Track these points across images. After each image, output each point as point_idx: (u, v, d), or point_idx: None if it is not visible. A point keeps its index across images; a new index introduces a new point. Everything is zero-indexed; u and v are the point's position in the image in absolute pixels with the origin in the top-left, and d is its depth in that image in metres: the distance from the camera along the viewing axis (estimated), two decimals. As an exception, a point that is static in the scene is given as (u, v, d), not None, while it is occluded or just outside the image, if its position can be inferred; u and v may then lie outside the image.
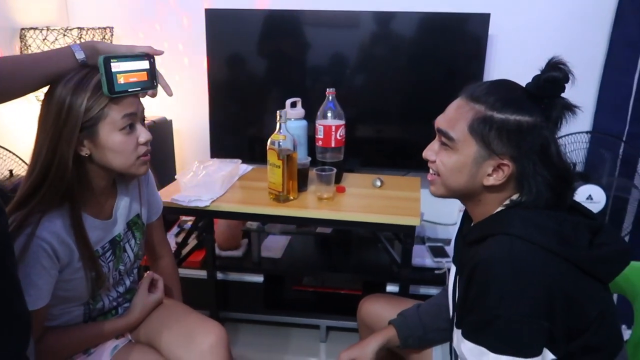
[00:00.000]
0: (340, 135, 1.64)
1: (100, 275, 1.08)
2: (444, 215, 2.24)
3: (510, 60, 2.04)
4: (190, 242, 1.99)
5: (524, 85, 0.90)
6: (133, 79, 1.03)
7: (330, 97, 1.64)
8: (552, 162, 0.87)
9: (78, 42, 1.04)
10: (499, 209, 0.92)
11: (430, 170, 0.98)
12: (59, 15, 2.25)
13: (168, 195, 1.55)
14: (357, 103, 2.03)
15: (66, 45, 1.00)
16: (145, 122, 1.12)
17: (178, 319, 1.23)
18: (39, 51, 1.03)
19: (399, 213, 1.46)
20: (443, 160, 0.93)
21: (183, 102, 2.33)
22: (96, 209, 1.11)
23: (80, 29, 1.98)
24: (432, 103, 1.94)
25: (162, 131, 2.21)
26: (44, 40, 1.92)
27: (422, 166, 2.00)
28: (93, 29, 2.01)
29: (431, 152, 0.97)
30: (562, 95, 0.87)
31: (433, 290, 1.91)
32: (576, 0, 1.96)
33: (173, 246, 1.95)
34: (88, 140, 1.01)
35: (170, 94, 1.12)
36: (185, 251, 1.96)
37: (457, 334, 0.94)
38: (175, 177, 1.63)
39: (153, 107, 2.29)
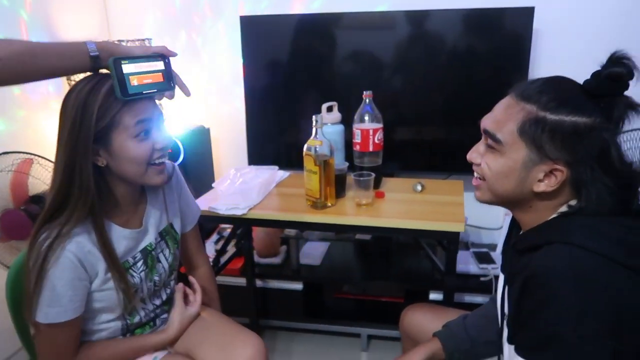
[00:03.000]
0: (378, 139, 1.60)
1: (129, 286, 1.06)
2: (489, 220, 2.15)
3: (557, 55, 1.94)
4: (229, 249, 1.99)
5: (581, 83, 0.82)
6: (147, 80, 0.98)
7: (367, 100, 1.59)
8: (613, 167, 0.78)
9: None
10: (553, 215, 0.84)
11: (475, 174, 0.92)
12: (100, 29, 2.31)
13: (206, 203, 1.55)
14: (396, 105, 1.98)
15: (82, 42, 0.96)
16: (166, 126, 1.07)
17: (216, 330, 1.21)
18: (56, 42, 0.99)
19: (442, 219, 1.40)
20: (489, 163, 0.86)
21: (220, 110, 2.34)
22: (124, 219, 1.09)
23: (120, 41, 2.02)
24: (474, 102, 1.89)
25: (200, 139, 2.23)
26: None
27: (464, 169, 1.92)
28: (132, 40, 2.05)
29: (476, 154, 0.90)
30: (625, 93, 0.79)
31: (478, 299, 1.83)
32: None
33: (212, 254, 1.96)
34: (103, 150, 0.98)
35: (188, 94, 1.08)
36: (224, 259, 1.96)
37: (509, 349, 0.87)
38: (213, 185, 1.63)
39: (191, 116, 2.33)
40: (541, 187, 0.82)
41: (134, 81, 0.96)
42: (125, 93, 0.94)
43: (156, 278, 1.16)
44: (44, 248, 0.94)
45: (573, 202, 0.83)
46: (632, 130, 1.80)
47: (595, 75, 0.80)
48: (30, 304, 0.97)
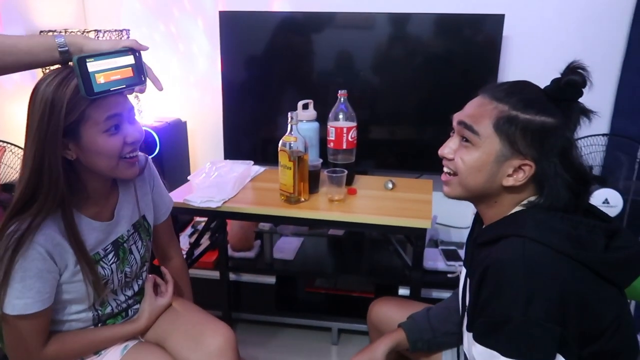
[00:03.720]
0: (351, 137, 1.64)
1: (98, 278, 1.07)
2: (457, 219, 2.21)
3: (525, 61, 2.02)
4: (203, 242, 2.00)
5: (542, 88, 0.90)
6: (115, 76, 0.97)
7: (342, 99, 1.63)
8: (573, 164, 0.87)
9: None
10: (514, 210, 0.91)
11: (445, 169, 0.97)
12: (77, 18, 2.29)
13: (181, 195, 1.56)
14: (370, 104, 2.02)
15: (52, 34, 0.96)
16: (139, 119, 1.09)
17: (186, 320, 1.23)
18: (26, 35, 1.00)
19: (410, 215, 1.45)
20: (463, 157, 0.91)
21: (197, 104, 2.35)
22: (95, 211, 1.09)
23: (97, 31, 2.01)
24: (445, 104, 1.93)
25: (176, 132, 2.23)
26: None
27: (435, 169, 1.98)
28: (109, 31, 2.04)
29: (449, 149, 0.95)
30: (579, 99, 0.87)
31: (446, 294, 1.89)
32: (590, 1, 1.92)
33: (186, 246, 1.97)
34: (73, 144, 0.98)
35: (160, 88, 1.06)
36: (198, 251, 1.97)
37: (467, 337, 0.93)
38: (188, 177, 1.65)
39: (168, 108, 2.33)
40: (510, 182, 0.88)
41: (101, 79, 0.95)
42: (91, 92, 0.93)
43: (127, 269, 1.17)
44: (13, 240, 0.94)
45: (532, 198, 0.89)
46: (592, 136, 1.89)
47: (555, 81, 0.88)
48: None
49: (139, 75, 1.03)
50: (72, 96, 0.93)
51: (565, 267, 0.80)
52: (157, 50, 2.31)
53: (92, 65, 0.94)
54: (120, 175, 1.06)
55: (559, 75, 0.88)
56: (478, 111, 0.90)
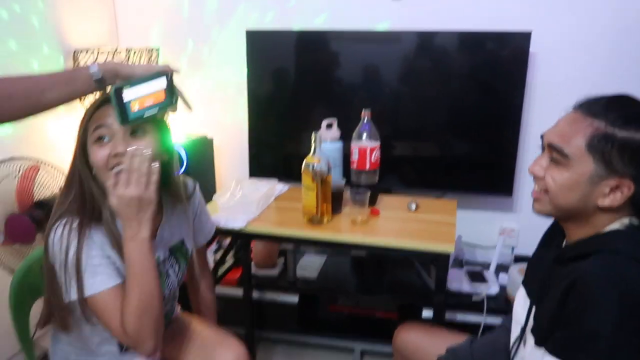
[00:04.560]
0: (374, 158, 1.63)
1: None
2: (483, 238, 2.17)
3: (554, 77, 1.97)
4: (228, 260, 2.02)
5: None
6: (149, 102, 1.01)
7: (365, 119, 1.63)
8: None
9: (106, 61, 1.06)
10: (610, 228, 0.87)
11: (536, 187, 0.94)
12: (109, 37, 2.36)
13: (205, 215, 1.58)
14: (395, 121, 2.01)
15: (85, 66, 1.01)
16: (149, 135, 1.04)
17: (201, 337, 1.26)
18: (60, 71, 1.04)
19: (433, 239, 1.43)
20: (554, 176, 0.88)
21: (224, 121, 2.38)
22: None
23: (129, 49, 2.07)
24: (471, 122, 1.94)
25: (203, 149, 2.27)
26: (95, 61, 2.02)
27: (458, 186, 1.96)
28: (140, 49, 2.09)
29: (539, 167, 0.91)
30: None
31: (470, 317, 1.86)
32: (620, 15, 1.87)
33: (211, 263, 2.00)
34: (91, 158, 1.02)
35: (190, 109, 1.10)
36: (222, 269, 1.99)
37: (532, 354, 0.89)
38: (214, 197, 1.67)
39: (195, 126, 2.37)
40: (606, 202, 0.84)
41: (135, 106, 0.99)
42: (126, 120, 0.98)
43: (166, 292, 1.18)
44: (72, 233, 0.99)
45: (635, 221, 0.84)
46: None
47: None
48: (65, 295, 1.00)
49: (171, 96, 1.06)
50: (89, 113, 1.01)
51: None
52: (186, 68, 2.36)
53: (127, 94, 0.98)
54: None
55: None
56: (570, 129, 0.86)
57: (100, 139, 1.01)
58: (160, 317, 1.01)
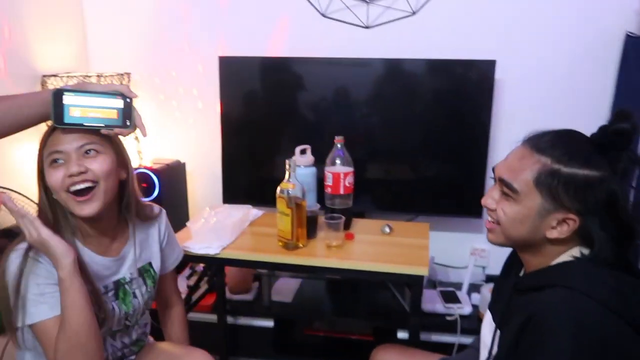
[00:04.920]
0: (348, 183, 1.66)
1: (103, 308, 1.08)
2: (455, 259, 2.21)
3: (519, 102, 2.06)
4: (202, 285, 2.00)
5: (588, 136, 0.89)
6: (95, 114, 1.02)
7: (338, 145, 1.66)
8: (619, 216, 0.85)
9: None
10: (561, 259, 0.90)
11: (489, 218, 0.97)
12: (79, 62, 2.33)
13: (180, 242, 1.56)
14: (367, 146, 2.05)
15: (47, 89, 1.04)
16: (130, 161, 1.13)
17: (166, 352, 1.30)
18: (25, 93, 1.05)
19: (408, 262, 1.45)
20: (505, 209, 0.91)
21: (197, 145, 2.38)
22: (100, 247, 1.12)
23: (99, 75, 2.05)
24: (442, 146, 1.99)
25: (175, 173, 2.25)
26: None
27: (430, 209, 1.98)
28: (111, 75, 2.08)
29: (491, 200, 0.95)
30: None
31: (445, 337, 1.88)
32: (580, 42, 1.98)
33: (184, 289, 1.97)
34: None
35: (145, 134, 1.09)
36: (196, 296, 1.96)
37: None
38: (187, 224, 1.66)
39: (167, 150, 2.35)
40: (554, 234, 0.88)
41: (75, 112, 1.00)
42: (60, 122, 1.00)
43: (130, 312, 1.18)
44: (23, 260, 1.00)
45: (585, 250, 0.88)
46: None
47: (602, 129, 0.87)
48: (14, 320, 1.01)
49: (124, 119, 1.06)
50: (45, 138, 1.03)
51: (613, 324, 0.78)
52: (158, 93, 2.35)
53: (68, 99, 1.00)
54: (74, 211, 1.04)
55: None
56: (519, 164, 0.89)
57: (54, 161, 1.02)
58: (94, 353, 1.01)
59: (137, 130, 1.10)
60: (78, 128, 1.02)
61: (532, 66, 2.03)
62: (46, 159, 1.02)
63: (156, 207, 1.29)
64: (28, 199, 1.83)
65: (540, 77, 2.04)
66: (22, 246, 1.03)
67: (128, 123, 1.07)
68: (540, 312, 0.81)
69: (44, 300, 1.00)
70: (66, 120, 1.00)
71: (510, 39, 2.02)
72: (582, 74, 2.00)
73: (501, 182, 0.92)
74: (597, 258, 0.85)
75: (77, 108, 1.00)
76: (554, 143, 0.87)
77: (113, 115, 1.05)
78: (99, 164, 1.03)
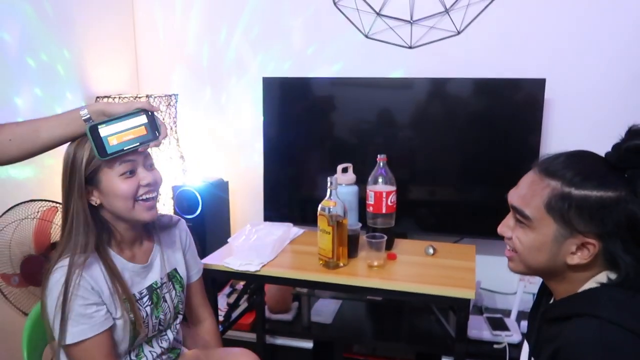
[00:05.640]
0: (391, 202, 1.63)
1: (138, 317, 1.12)
2: (503, 284, 2.12)
3: (570, 123, 1.98)
4: (241, 304, 1.99)
5: (603, 155, 0.85)
6: (128, 137, 1.08)
7: (381, 164, 1.64)
8: None
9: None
10: (587, 285, 0.85)
11: (507, 246, 0.94)
12: (130, 84, 2.44)
13: (220, 258, 1.58)
14: (410, 166, 2.02)
15: (76, 108, 1.09)
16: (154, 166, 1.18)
17: (210, 355, 1.34)
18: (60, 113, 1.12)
19: (453, 284, 1.40)
20: (520, 237, 0.88)
21: (240, 164, 2.41)
22: (129, 254, 1.18)
23: (149, 96, 2.13)
24: (487, 168, 1.93)
25: (218, 192, 2.28)
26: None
27: (476, 231, 1.93)
28: (160, 96, 2.15)
29: (506, 228, 0.92)
30: None
31: (492, 366, 1.79)
32: (635, 61, 1.89)
33: (224, 307, 1.97)
34: (95, 190, 1.09)
35: (165, 134, 1.16)
36: (235, 313, 1.96)
37: None
38: (228, 240, 1.66)
39: (211, 169, 2.40)
40: (575, 260, 0.83)
41: (113, 141, 1.06)
42: (104, 154, 1.05)
43: (162, 316, 1.22)
44: (64, 279, 1.03)
45: (611, 275, 0.83)
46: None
47: (615, 147, 0.83)
48: (54, 334, 1.05)
49: (153, 132, 1.12)
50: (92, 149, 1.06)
51: None
52: (203, 113, 2.41)
53: (104, 130, 1.06)
54: (138, 217, 1.13)
55: (619, 141, 0.82)
56: (529, 190, 0.87)
57: (129, 172, 1.10)
58: None
59: (182, 149, 1.15)
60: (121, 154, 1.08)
61: (584, 85, 1.95)
62: (116, 169, 1.08)
63: (175, 217, 1.36)
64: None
65: (593, 96, 1.95)
66: (60, 263, 1.06)
67: (157, 134, 1.13)
68: (568, 345, 0.77)
69: (84, 322, 1.05)
70: (109, 151, 1.06)
71: (560, 56, 1.96)
72: (637, 94, 1.91)
73: (514, 209, 0.89)
74: (626, 283, 0.80)
75: (114, 136, 1.07)
76: (566, 165, 0.84)
77: (142, 132, 1.11)
78: (159, 176, 1.17)
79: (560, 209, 0.82)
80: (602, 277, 0.83)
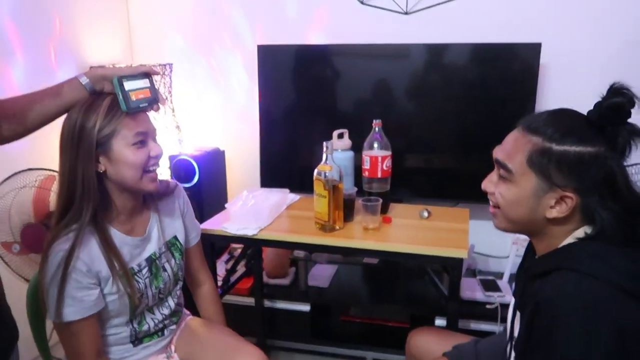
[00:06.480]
0: (386, 166, 1.65)
1: (134, 290, 1.13)
2: (496, 248, 2.17)
3: (565, 88, 1.99)
4: (239, 269, 2.03)
5: (585, 114, 0.87)
6: (141, 95, 1.10)
7: (376, 129, 1.65)
8: (620, 193, 0.83)
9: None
10: (567, 241, 0.88)
11: (491, 203, 0.97)
12: (124, 53, 2.42)
13: (218, 223, 1.60)
14: (406, 133, 2.03)
15: (74, 77, 1.09)
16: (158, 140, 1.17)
17: (218, 342, 1.28)
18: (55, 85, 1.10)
19: (446, 245, 1.43)
20: (502, 192, 0.92)
21: (236, 133, 2.42)
22: (127, 227, 1.17)
23: (142, 65, 2.11)
24: (483, 133, 1.95)
25: (214, 161, 2.30)
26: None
27: (471, 197, 1.96)
28: (154, 65, 2.14)
29: (490, 183, 0.96)
30: (629, 121, 0.83)
31: (484, 326, 1.84)
32: (630, 24, 1.89)
33: (222, 273, 2.01)
34: (103, 156, 1.07)
35: (163, 103, 1.18)
36: (233, 278, 2.00)
37: None
38: (225, 205, 1.69)
39: (207, 138, 2.40)
40: (553, 214, 0.86)
41: (133, 97, 1.07)
42: (129, 107, 1.07)
43: (161, 286, 1.22)
44: (60, 260, 1.03)
45: (589, 229, 0.86)
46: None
47: (596, 106, 0.85)
48: (49, 309, 1.06)
49: (156, 94, 1.14)
50: (105, 114, 1.05)
51: (624, 305, 0.76)
52: (198, 82, 2.40)
53: (127, 85, 1.07)
54: (143, 187, 1.12)
55: (600, 99, 0.85)
56: (512, 146, 0.90)
57: (141, 142, 1.09)
58: None
59: (177, 118, 1.15)
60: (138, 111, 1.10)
61: (581, 50, 1.96)
62: (129, 138, 1.07)
63: (172, 182, 1.34)
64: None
65: (589, 61, 1.96)
66: (59, 240, 1.05)
67: (158, 97, 1.15)
68: (547, 298, 0.80)
69: (73, 304, 1.05)
70: (132, 105, 1.07)
71: (556, 20, 1.95)
72: (635, 58, 1.91)
73: (497, 163, 0.92)
74: (604, 237, 0.83)
75: (133, 92, 1.08)
76: (547, 122, 0.86)
77: (148, 94, 1.12)
78: (162, 148, 1.16)
79: (540, 164, 0.85)
80: (580, 232, 0.86)
